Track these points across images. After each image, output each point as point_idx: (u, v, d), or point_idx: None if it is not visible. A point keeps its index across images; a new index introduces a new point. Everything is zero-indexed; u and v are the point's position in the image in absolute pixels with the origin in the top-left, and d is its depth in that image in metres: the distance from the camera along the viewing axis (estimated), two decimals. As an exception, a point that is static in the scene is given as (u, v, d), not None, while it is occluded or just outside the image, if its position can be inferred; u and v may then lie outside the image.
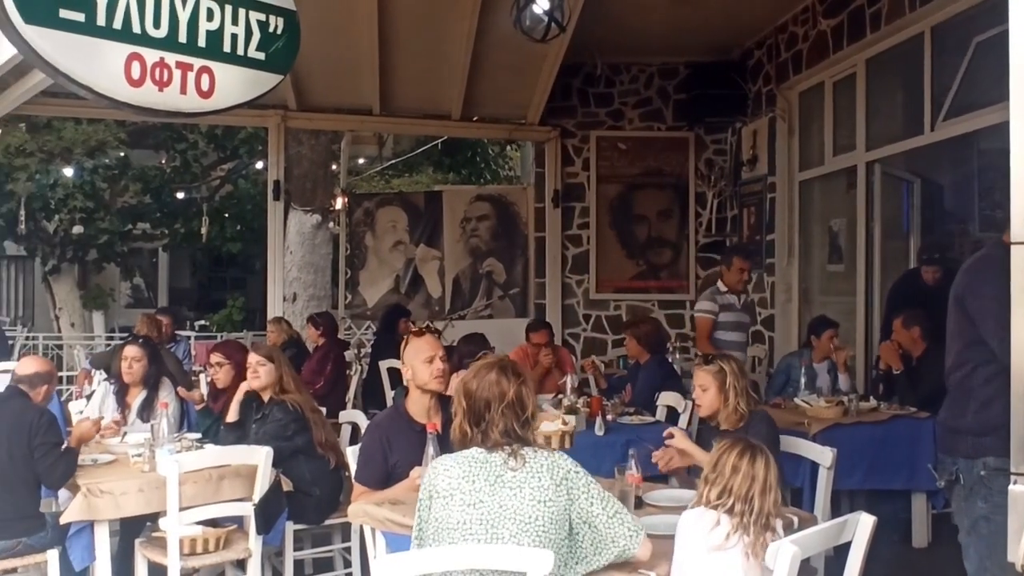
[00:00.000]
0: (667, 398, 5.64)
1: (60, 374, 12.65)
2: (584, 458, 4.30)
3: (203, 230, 13.91)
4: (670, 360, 7.02)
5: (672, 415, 5.59)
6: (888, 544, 5.15)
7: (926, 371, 5.40)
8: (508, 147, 15.58)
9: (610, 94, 9.48)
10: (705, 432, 3.90)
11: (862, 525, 2.70)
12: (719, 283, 6.59)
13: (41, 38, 3.50)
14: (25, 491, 4.16)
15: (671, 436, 3.87)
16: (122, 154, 14.67)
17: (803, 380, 6.14)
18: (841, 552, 2.77)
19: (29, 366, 4.38)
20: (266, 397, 4.69)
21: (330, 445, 4.69)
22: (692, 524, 2.72)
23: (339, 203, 11.53)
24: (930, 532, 5.40)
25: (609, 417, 5.16)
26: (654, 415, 5.59)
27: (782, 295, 8.21)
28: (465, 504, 2.59)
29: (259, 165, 14.52)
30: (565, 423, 3.82)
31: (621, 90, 9.49)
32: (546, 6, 6.13)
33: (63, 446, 4.19)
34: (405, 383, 3.81)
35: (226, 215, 16.05)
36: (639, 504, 3.37)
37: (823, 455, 3.83)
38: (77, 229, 14.62)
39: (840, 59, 7.14)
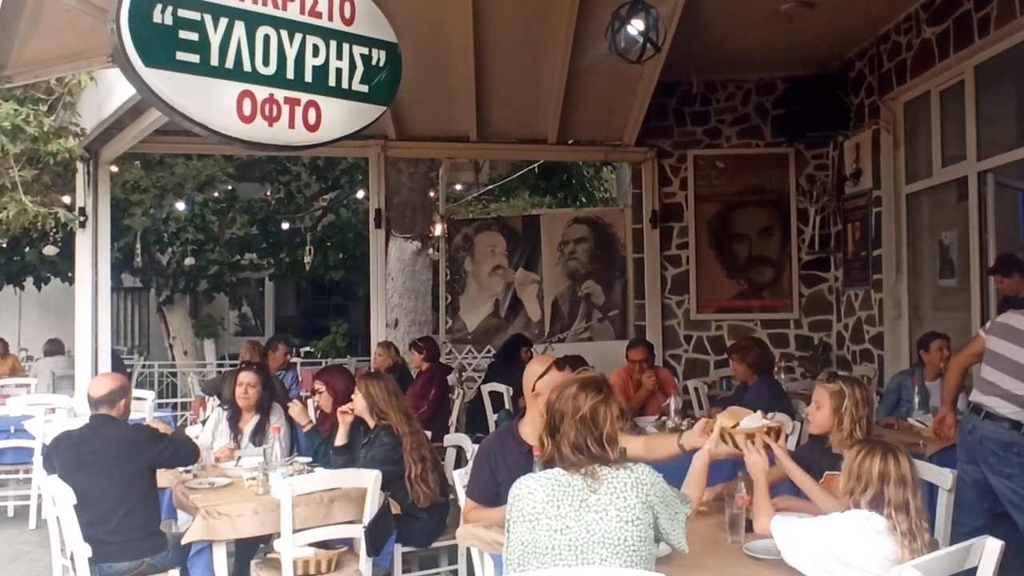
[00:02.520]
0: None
1: (175, 400, 13.23)
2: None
3: (307, 259, 14.25)
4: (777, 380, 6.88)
5: (780, 437, 5.45)
6: (1015, 570, 4.90)
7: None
8: (603, 169, 15.56)
9: (706, 112, 9.40)
10: (816, 450, 3.78)
11: (988, 550, 2.60)
12: None
13: (160, 80, 3.68)
14: (144, 508, 4.32)
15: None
16: (230, 188, 15.17)
17: (916, 399, 5.95)
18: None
19: (102, 386, 4.44)
20: (371, 423, 4.78)
21: (420, 481, 4.63)
22: (859, 529, 2.67)
23: (438, 229, 11.70)
24: (1060, 558, 5.12)
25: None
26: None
27: (891, 312, 7.96)
28: (552, 530, 2.59)
29: (359, 194, 14.83)
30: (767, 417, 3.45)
31: (718, 108, 9.41)
32: (641, 27, 6.12)
33: (169, 439, 4.48)
34: (522, 405, 3.86)
35: (328, 244, 16.41)
36: (750, 527, 3.30)
37: (942, 477, 3.69)
38: (189, 261, 15.13)
39: (947, 67, 6.93)
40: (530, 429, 3.74)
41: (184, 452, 4.50)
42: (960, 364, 4.91)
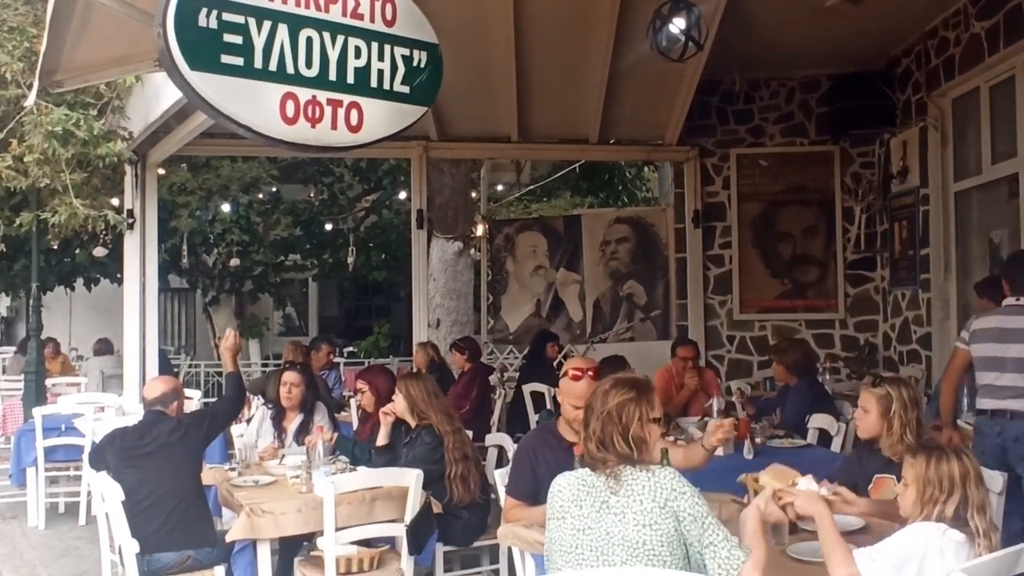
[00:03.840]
0: (818, 420, 5.46)
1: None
2: (733, 482, 4.23)
3: (350, 260, 14.36)
4: (820, 381, 6.80)
5: (824, 438, 5.40)
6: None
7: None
8: (645, 168, 15.49)
9: (750, 110, 9.31)
10: (865, 455, 3.72)
11: (1040, 554, 2.54)
12: None
13: (205, 83, 3.72)
14: (195, 499, 4.41)
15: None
16: (274, 189, 15.35)
17: (965, 401, 5.84)
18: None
19: (156, 388, 4.59)
20: (412, 423, 4.80)
21: (461, 480, 4.65)
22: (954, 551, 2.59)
23: (480, 230, 11.73)
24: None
25: (758, 440, 5.03)
26: (805, 438, 5.42)
27: (939, 312, 7.82)
28: (575, 529, 2.61)
29: (402, 195, 14.92)
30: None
31: (761, 106, 9.30)
32: (683, 25, 6.09)
33: (204, 412, 4.72)
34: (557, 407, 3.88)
35: (371, 245, 16.52)
36: (794, 529, 3.25)
37: (992, 480, 3.61)
38: (234, 262, 15.33)
39: (997, 62, 6.79)
40: (567, 429, 3.76)
41: (225, 410, 4.78)
42: (952, 382, 4.82)
